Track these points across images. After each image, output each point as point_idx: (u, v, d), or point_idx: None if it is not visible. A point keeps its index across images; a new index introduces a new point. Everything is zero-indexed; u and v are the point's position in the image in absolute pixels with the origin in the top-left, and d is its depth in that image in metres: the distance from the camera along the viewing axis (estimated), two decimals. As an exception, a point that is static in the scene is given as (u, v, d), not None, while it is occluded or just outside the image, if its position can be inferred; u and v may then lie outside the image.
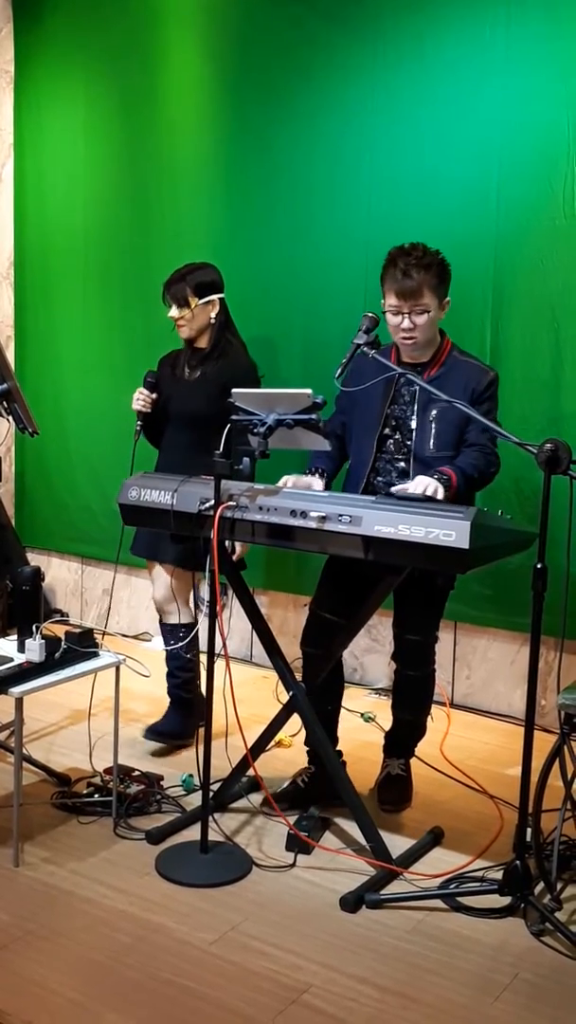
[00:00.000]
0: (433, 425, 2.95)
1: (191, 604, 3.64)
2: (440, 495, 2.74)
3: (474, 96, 3.75)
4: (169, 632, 3.58)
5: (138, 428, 3.47)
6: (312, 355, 4.14)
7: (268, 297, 4.24)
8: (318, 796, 3.10)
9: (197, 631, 3.56)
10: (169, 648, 3.57)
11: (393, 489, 2.80)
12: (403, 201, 3.92)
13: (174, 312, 3.45)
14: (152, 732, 3.55)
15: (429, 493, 2.72)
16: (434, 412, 2.95)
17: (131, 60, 4.60)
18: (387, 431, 3.02)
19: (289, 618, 4.47)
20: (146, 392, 3.46)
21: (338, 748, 3.21)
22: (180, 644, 3.52)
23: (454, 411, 2.88)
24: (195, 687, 3.57)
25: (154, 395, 3.46)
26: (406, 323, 2.91)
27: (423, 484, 2.75)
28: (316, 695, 3.04)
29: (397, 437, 3.01)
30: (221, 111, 4.38)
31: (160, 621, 3.65)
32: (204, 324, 3.47)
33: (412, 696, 3.17)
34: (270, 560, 4.41)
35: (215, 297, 3.46)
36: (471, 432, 2.95)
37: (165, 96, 4.54)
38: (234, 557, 3.24)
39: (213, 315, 3.46)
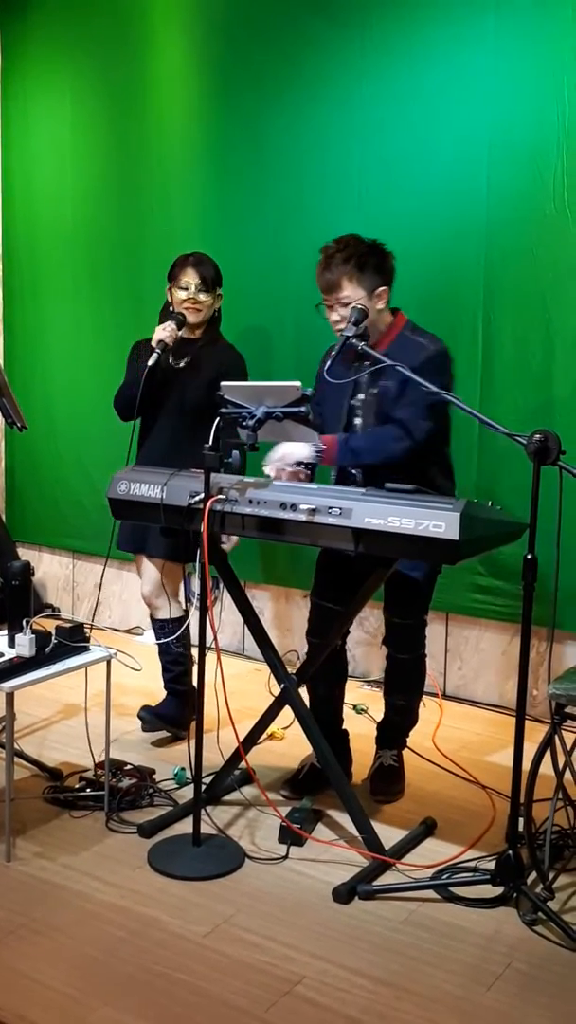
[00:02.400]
0: (372, 404, 2.98)
1: (180, 597, 3.63)
2: (306, 457, 2.80)
3: (463, 87, 3.73)
4: (159, 627, 3.58)
5: (158, 354, 3.30)
6: (304, 346, 4.13)
7: (259, 288, 4.23)
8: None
9: (188, 624, 3.56)
10: (160, 642, 3.57)
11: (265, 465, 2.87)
12: (393, 192, 3.91)
13: (199, 295, 3.38)
14: (149, 711, 3.55)
15: (293, 458, 2.79)
16: (370, 394, 2.97)
17: (118, 52, 4.57)
18: (356, 420, 3.04)
19: (282, 611, 4.47)
20: (173, 326, 3.36)
21: (343, 727, 3.28)
22: (171, 638, 3.52)
23: (384, 394, 2.93)
24: (189, 680, 3.57)
25: (179, 333, 3.39)
26: (333, 315, 2.97)
27: (284, 449, 2.82)
28: (319, 683, 3.07)
29: (360, 424, 3.03)
30: (209, 103, 4.36)
31: (150, 616, 3.65)
32: (210, 314, 3.46)
33: (403, 679, 3.19)
34: (262, 553, 4.41)
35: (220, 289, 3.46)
36: (396, 408, 2.93)
37: (153, 88, 4.52)
38: (226, 547, 3.23)
39: (218, 306, 3.46)
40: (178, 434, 3.42)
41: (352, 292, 2.93)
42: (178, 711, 3.56)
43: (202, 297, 3.39)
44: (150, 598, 3.56)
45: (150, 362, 3.32)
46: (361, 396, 3.02)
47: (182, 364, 3.47)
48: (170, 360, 3.47)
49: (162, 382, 3.44)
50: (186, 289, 3.39)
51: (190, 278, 3.39)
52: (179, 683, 3.56)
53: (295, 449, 2.83)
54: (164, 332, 3.36)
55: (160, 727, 3.56)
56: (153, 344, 3.36)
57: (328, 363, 2.91)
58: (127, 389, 3.44)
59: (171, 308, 3.47)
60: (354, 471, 3.01)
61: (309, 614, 3.19)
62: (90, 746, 3.17)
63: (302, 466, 2.94)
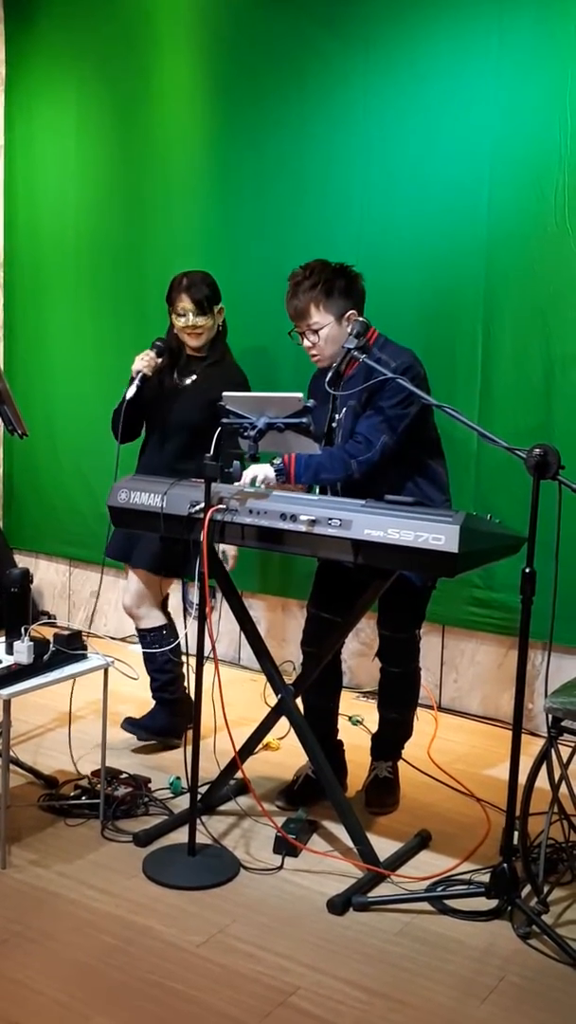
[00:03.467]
0: (342, 423, 2.99)
1: (178, 606, 3.64)
2: (272, 481, 2.80)
3: (466, 103, 3.76)
4: (143, 637, 3.58)
5: (138, 385, 3.33)
6: (304, 359, 4.11)
7: (260, 301, 4.23)
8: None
9: (175, 633, 3.57)
10: (145, 651, 3.57)
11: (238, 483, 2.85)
12: (395, 207, 3.94)
13: (196, 320, 3.37)
14: (130, 722, 3.55)
15: (259, 480, 2.78)
16: (342, 412, 2.98)
17: (123, 63, 4.60)
18: (335, 439, 3.05)
19: (278, 621, 4.48)
20: (152, 355, 3.39)
21: (339, 738, 3.29)
22: (164, 648, 3.52)
23: (354, 408, 2.94)
24: (178, 688, 3.57)
25: (159, 360, 3.41)
26: (306, 342, 2.99)
27: (252, 472, 2.81)
28: (315, 694, 3.07)
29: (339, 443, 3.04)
30: (213, 115, 4.39)
31: (135, 626, 3.65)
32: (214, 331, 3.45)
33: (396, 694, 3.19)
34: (259, 563, 4.42)
35: (221, 304, 3.46)
36: (358, 423, 2.95)
37: (157, 99, 4.54)
38: (228, 566, 3.25)
39: (221, 321, 3.46)
40: (180, 451, 3.43)
41: (320, 318, 2.95)
42: (166, 721, 3.56)
43: (200, 322, 3.39)
44: (131, 608, 3.57)
45: (129, 394, 3.33)
46: (338, 416, 3.03)
47: (188, 382, 3.48)
48: (175, 377, 3.48)
49: (167, 398, 3.46)
50: (183, 316, 3.40)
51: (185, 304, 3.38)
52: (166, 691, 3.56)
53: (258, 471, 2.82)
54: (142, 362, 3.38)
55: (146, 738, 3.55)
56: (132, 374, 3.37)
57: (329, 375, 2.92)
58: (116, 415, 3.42)
59: (175, 331, 3.48)
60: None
61: (305, 624, 3.20)
62: (89, 754, 3.17)
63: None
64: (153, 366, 3.41)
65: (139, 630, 3.60)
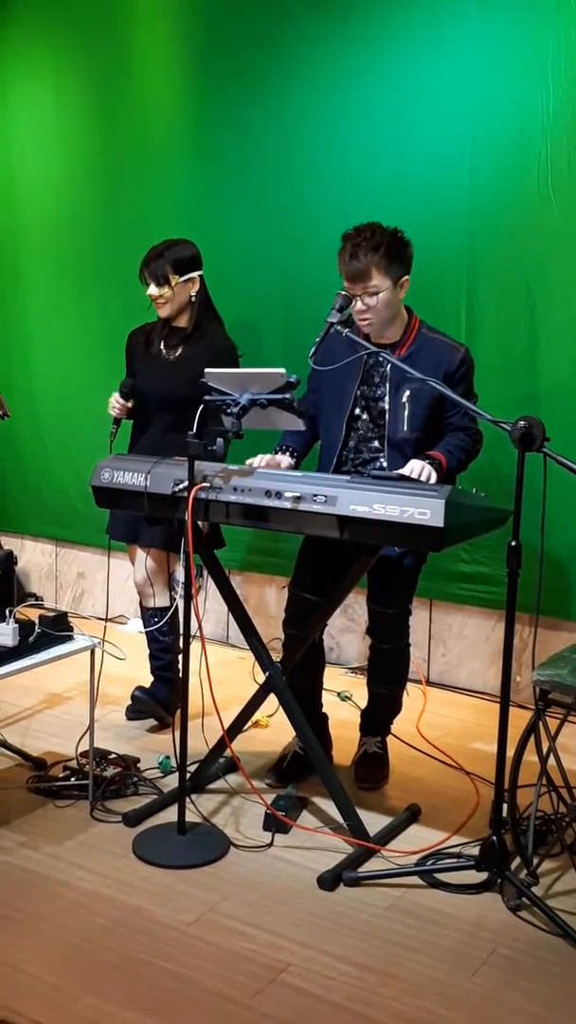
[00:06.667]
0: (407, 406, 2.94)
1: (177, 586, 3.63)
2: (434, 479, 2.75)
3: (447, 72, 3.72)
4: (149, 615, 3.57)
5: (113, 431, 3.46)
6: (290, 333, 4.12)
7: (244, 275, 4.21)
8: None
9: (178, 613, 3.56)
10: (148, 631, 3.56)
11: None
12: (378, 178, 3.90)
13: (153, 291, 3.39)
14: (143, 691, 3.54)
15: (423, 478, 2.73)
16: (407, 393, 2.94)
17: (101, 35, 4.53)
18: (357, 411, 3.01)
19: (265, 598, 4.46)
20: (122, 401, 3.45)
21: (323, 711, 3.29)
22: (156, 625, 3.51)
23: (427, 391, 2.87)
24: (177, 668, 3.57)
25: (130, 403, 3.46)
26: (359, 305, 2.90)
27: (416, 469, 2.75)
28: (299, 673, 3.06)
29: (366, 418, 3.01)
30: (193, 87, 4.32)
31: (140, 604, 3.64)
32: (184, 302, 3.43)
33: (387, 669, 3.18)
34: (245, 541, 4.40)
35: (195, 274, 3.42)
36: (455, 416, 2.95)
37: (137, 71, 4.48)
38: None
39: (193, 293, 3.43)
40: (168, 427, 3.42)
41: (380, 282, 2.88)
42: (166, 695, 3.55)
43: (156, 292, 3.39)
44: (143, 586, 3.54)
45: (112, 440, 3.43)
46: (383, 392, 2.97)
47: (174, 356, 3.46)
48: (163, 352, 3.47)
49: (155, 374, 3.44)
50: (147, 287, 3.41)
51: (147, 278, 3.41)
52: (167, 671, 3.56)
53: (421, 471, 2.76)
54: (114, 411, 3.47)
55: (152, 708, 3.54)
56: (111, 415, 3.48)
57: (313, 350, 2.88)
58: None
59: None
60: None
61: (287, 605, 3.18)
62: (78, 735, 3.16)
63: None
64: (124, 408, 3.47)
65: (147, 608, 3.58)
